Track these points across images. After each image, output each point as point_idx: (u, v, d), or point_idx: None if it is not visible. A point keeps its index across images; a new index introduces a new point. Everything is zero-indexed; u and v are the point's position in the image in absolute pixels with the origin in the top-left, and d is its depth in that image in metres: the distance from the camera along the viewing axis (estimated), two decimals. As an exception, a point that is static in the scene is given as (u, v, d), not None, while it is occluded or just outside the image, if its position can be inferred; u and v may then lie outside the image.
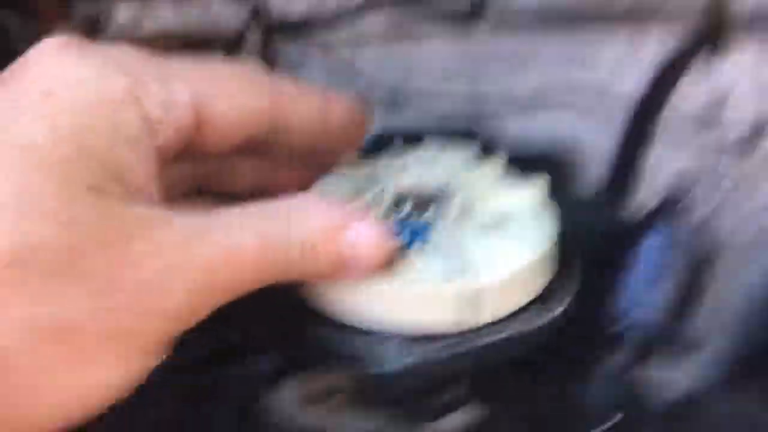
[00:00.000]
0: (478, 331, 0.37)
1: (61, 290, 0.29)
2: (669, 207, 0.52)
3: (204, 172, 0.42)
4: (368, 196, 0.41)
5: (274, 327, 0.40)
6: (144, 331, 0.31)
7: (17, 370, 0.29)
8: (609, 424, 0.49)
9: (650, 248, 0.49)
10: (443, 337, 0.37)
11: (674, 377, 0.55)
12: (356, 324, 0.37)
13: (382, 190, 0.41)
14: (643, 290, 0.48)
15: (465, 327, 0.37)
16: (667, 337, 0.49)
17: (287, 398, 0.46)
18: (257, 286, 0.34)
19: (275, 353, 0.47)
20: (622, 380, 0.48)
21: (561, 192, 0.51)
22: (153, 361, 0.32)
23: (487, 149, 0.48)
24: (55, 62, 0.33)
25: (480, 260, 0.37)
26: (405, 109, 0.67)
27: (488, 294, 0.37)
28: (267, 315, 0.39)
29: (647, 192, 0.54)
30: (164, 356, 0.33)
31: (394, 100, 0.66)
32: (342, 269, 0.35)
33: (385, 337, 0.37)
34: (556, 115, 0.66)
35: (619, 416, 0.49)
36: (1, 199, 0.29)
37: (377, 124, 0.50)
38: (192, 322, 0.33)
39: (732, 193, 0.76)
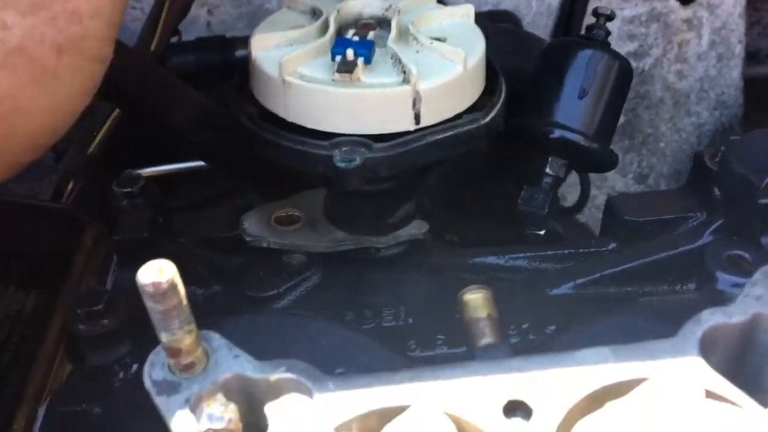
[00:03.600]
0: (422, 131, 0.43)
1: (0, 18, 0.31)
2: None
3: None
4: (314, 25, 0.45)
5: (247, 134, 0.44)
6: (85, 35, 0.34)
7: None
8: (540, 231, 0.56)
9: (583, 64, 0.53)
10: (393, 136, 0.42)
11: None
12: (319, 128, 0.42)
13: (327, 20, 0.45)
14: (573, 104, 0.53)
15: (410, 129, 0.43)
16: (590, 151, 0.54)
17: (257, 221, 0.52)
18: None
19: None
20: (550, 188, 0.54)
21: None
22: (101, 68, 0.35)
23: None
24: None
25: (419, 72, 0.42)
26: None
27: (427, 98, 0.42)
28: (240, 125, 0.44)
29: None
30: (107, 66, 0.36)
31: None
32: None
33: (345, 137, 0.42)
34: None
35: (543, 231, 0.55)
36: None
37: None
38: (114, 25, 0.36)
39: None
